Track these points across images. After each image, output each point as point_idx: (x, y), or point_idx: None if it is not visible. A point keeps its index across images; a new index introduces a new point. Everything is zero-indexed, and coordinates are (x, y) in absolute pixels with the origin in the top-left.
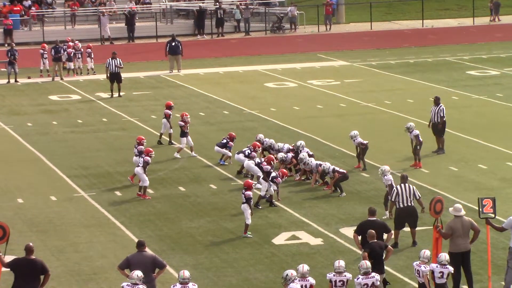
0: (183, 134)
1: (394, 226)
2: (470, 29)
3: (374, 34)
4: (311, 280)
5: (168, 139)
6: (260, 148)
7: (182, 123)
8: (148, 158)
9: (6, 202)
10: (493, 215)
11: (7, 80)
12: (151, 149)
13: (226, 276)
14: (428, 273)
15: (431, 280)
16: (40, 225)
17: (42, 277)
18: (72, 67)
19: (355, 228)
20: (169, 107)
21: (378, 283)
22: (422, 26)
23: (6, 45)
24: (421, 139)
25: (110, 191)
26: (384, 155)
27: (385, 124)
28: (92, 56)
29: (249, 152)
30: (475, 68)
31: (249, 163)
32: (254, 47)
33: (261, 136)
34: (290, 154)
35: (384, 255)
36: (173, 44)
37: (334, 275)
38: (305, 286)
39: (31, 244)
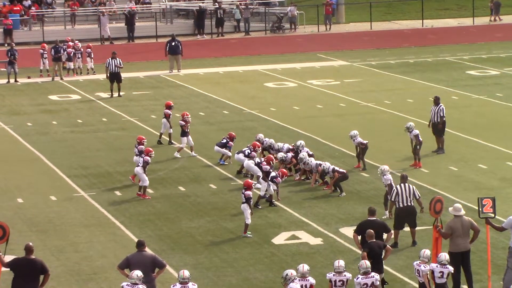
0: (184, 133)
1: (394, 226)
2: (470, 29)
3: (374, 34)
4: (311, 280)
5: (168, 139)
6: (260, 148)
7: (183, 123)
8: (148, 158)
9: (6, 202)
10: (493, 215)
11: (7, 80)
12: (151, 149)
13: (226, 276)
14: (428, 272)
15: (431, 280)
16: (40, 225)
17: (42, 277)
18: (72, 67)
19: (355, 228)
20: (169, 107)
21: (378, 282)
22: (422, 26)
23: (6, 45)
24: (421, 139)
25: (110, 191)
26: (384, 155)
27: (385, 124)
28: (92, 56)
29: (249, 152)
30: (475, 68)
31: (249, 163)
32: (254, 47)
33: (261, 136)
34: (290, 154)
35: (383, 255)
36: (173, 44)
37: (334, 275)
38: (305, 286)
39: (31, 244)
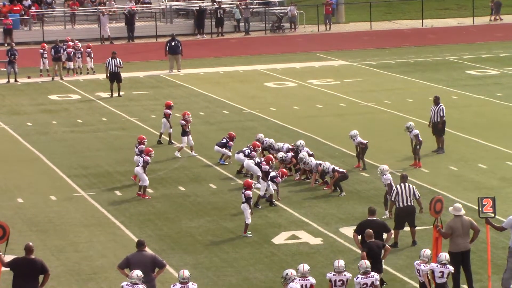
0: (184, 133)
1: (394, 226)
2: (470, 28)
3: (374, 33)
4: (312, 280)
5: (168, 139)
6: (260, 148)
7: (184, 122)
8: (148, 157)
9: (6, 202)
10: (493, 215)
11: (7, 80)
12: (151, 148)
13: (226, 276)
14: (428, 272)
15: (432, 280)
16: (40, 224)
17: (41, 276)
18: (72, 66)
19: (355, 227)
20: (168, 106)
21: (378, 282)
22: (422, 25)
23: (6, 44)
24: (420, 139)
25: (110, 191)
26: (384, 154)
27: (385, 123)
28: (92, 56)
29: (249, 151)
30: (475, 67)
31: (249, 163)
32: (254, 47)
33: (261, 135)
34: (290, 154)
35: (382, 254)
36: (173, 43)
37: (334, 275)
38: (306, 285)
39: (30, 243)
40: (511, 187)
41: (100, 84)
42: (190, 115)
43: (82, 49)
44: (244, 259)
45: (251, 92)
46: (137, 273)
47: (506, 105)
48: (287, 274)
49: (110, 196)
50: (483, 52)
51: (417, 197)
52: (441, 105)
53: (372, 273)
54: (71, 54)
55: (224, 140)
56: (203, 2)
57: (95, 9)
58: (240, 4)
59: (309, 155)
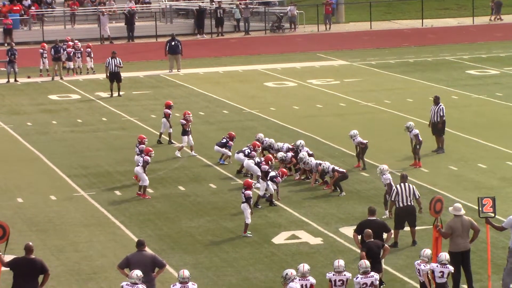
0: (185, 132)
1: (394, 226)
2: (470, 28)
3: (374, 33)
4: (312, 280)
5: (167, 139)
6: (260, 148)
7: (184, 122)
8: (147, 157)
9: (5, 202)
10: (493, 215)
11: (6, 80)
12: (150, 148)
13: (226, 276)
14: (428, 272)
15: (432, 280)
16: (39, 224)
17: (41, 276)
18: (72, 66)
19: (355, 227)
20: (168, 106)
21: (377, 282)
22: (422, 25)
23: (5, 44)
24: (420, 139)
25: (109, 191)
26: (384, 154)
27: (385, 123)
28: (92, 56)
29: (249, 151)
30: (475, 67)
31: (248, 163)
32: (254, 47)
33: (260, 135)
34: (289, 154)
35: (381, 254)
36: (173, 43)
37: (333, 275)
38: (306, 285)
39: (30, 243)
40: (511, 187)
41: (100, 84)
42: (191, 115)
43: (82, 49)
44: (244, 259)
45: (251, 92)
46: (137, 273)
47: (506, 105)
48: (287, 274)
49: (110, 196)
50: (483, 52)
51: (417, 197)
52: (441, 105)
53: (372, 273)
54: (71, 54)
55: (224, 140)
56: (203, 2)
57: (95, 9)
58: (240, 4)
59: (309, 155)
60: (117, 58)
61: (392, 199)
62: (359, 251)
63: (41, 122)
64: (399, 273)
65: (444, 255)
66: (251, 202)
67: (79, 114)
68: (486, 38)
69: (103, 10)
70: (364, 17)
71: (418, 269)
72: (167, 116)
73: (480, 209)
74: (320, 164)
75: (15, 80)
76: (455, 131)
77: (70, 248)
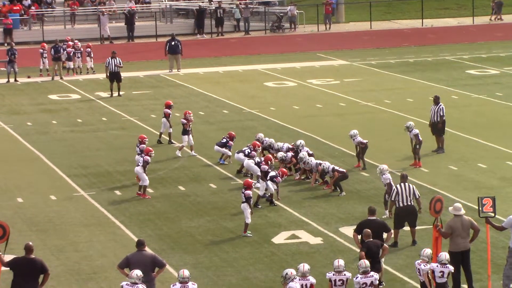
0: (185, 132)
1: (393, 225)
2: (470, 28)
3: (374, 33)
4: (312, 280)
5: (167, 139)
6: (260, 148)
7: (185, 121)
8: (147, 157)
9: (5, 201)
10: (493, 214)
11: (6, 80)
12: (150, 148)
13: (226, 275)
14: (428, 272)
15: (432, 279)
16: (39, 224)
17: (41, 276)
18: (72, 66)
19: (354, 227)
20: (168, 106)
21: (377, 282)
22: (422, 25)
23: (5, 44)
24: (420, 138)
25: (109, 190)
26: (384, 154)
27: (385, 123)
28: (92, 56)
29: (249, 151)
30: (475, 67)
31: (249, 162)
32: (254, 47)
33: (260, 135)
34: (289, 153)
35: (380, 254)
36: (173, 43)
37: (333, 274)
38: (306, 285)
39: (30, 243)
40: (511, 186)
41: (100, 83)
42: (192, 114)
43: (82, 49)
44: (244, 258)
45: (251, 91)
46: (137, 272)
47: (506, 105)
48: (287, 273)
49: (110, 196)
50: (483, 52)
51: (417, 197)
52: (441, 105)
53: (372, 273)
54: (71, 54)
55: (224, 140)
56: (203, 2)
57: (95, 8)
58: (240, 3)
59: (309, 155)
60: (117, 58)
61: (392, 199)
62: (359, 251)
63: (41, 122)
64: (399, 273)
65: (444, 255)
66: (251, 202)
67: (79, 114)
68: (486, 38)
69: (103, 10)
70: (364, 17)
71: (419, 269)
72: (167, 116)
73: (480, 209)
74: (320, 164)
75: (15, 80)
76: (455, 131)
77: (70, 248)
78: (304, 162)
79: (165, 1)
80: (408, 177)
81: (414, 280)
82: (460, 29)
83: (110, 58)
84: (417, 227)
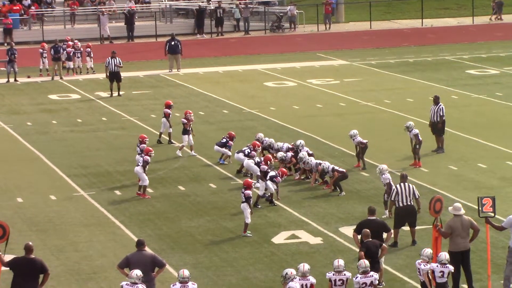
0: (185, 131)
1: (393, 225)
2: (470, 28)
3: (374, 33)
4: (312, 279)
5: (167, 138)
6: (260, 147)
7: (185, 121)
8: (147, 157)
9: (5, 201)
10: (492, 214)
11: (6, 79)
12: (150, 148)
13: (225, 275)
14: (428, 271)
15: (432, 279)
16: (39, 224)
17: (41, 276)
18: (72, 66)
19: (354, 227)
20: (168, 106)
21: (377, 282)
22: (422, 25)
23: (5, 44)
24: (420, 138)
25: (109, 190)
26: (384, 154)
27: (385, 123)
28: (92, 55)
29: (249, 151)
30: (475, 67)
31: (248, 162)
32: (254, 46)
33: (260, 135)
34: (289, 153)
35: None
36: (173, 43)
37: (333, 274)
38: (306, 285)
39: (30, 243)
40: (511, 186)
41: (100, 83)
42: (192, 114)
43: (81, 49)
44: (244, 258)
45: (250, 91)
46: (137, 272)
47: (506, 105)
48: (286, 273)
49: (110, 196)
50: (483, 52)
51: (417, 197)
52: (440, 105)
53: (372, 273)
54: (71, 54)
55: (224, 140)
56: (202, 2)
57: (95, 8)
58: (240, 3)
59: (309, 155)
60: (117, 58)
61: (392, 198)
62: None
63: (41, 122)
64: (399, 273)
65: (444, 255)
66: (251, 202)
67: (79, 114)
68: (486, 38)
69: (103, 10)
70: (364, 17)
71: (419, 269)
72: (167, 115)
73: (480, 208)
74: (320, 163)
75: (15, 80)
76: (455, 130)
77: (70, 248)
78: (304, 162)
79: (165, 1)
80: (408, 177)
81: (414, 280)
82: (460, 29)
83: (110, 58)
84: (417, 227)
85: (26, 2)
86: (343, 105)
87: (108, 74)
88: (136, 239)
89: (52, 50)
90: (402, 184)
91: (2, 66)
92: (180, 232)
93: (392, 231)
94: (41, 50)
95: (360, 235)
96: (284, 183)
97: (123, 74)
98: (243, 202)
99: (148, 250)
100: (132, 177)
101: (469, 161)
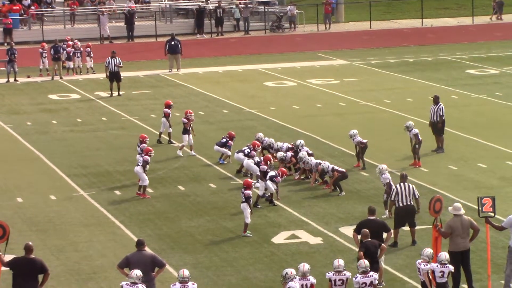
0: (185, 131)
1: (393, 225)
2: (470, 28)
3: (374, 33)
4: (312, 279)
5: (167, 138)
6: (260, 147)
7: (185, 120)
8: (147, 157)
9: (5, 201)
10: (492, 214)
11: (6, 79)
12: (150, 148)
13: (225, 275)
14: (429, 271)
15: (432, 279)
16: (39, 224)
17: (41, 276)
18: (72, 66)
19: (354, 227)
20: (168, 106)
21: (376, 282)
22: (422, 25)
23: (5, 44)
24: (420, 138)
25: (109, 190)
26: (384, 154)
27: (385, 123)
28: (92, 55)
29: (249, 151)
30: (475, 67)
31: (248, 162)
32: (254, 46)
33: (260, 135)
34: (289, 153)
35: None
36: (173, 43)
37: (333, 274)
38: (306, 285)
39: (30, 243)
40: (511, 186)
41: (99, 83)
42: (193, 114)
43: (81, 49)
44: (244, 258)
45: (250, 91)
46: (137, 272)
47: (505, 104)
48: (286, 273)
49: (109, 196)
50: (482, 52)
51: (417, 197)
52: (440, 105)
53: (371, 273)
54: (71, 54)
55: (224, 140)
56: (202, 2)
57: (95, 8)
58: (240, 3)
59: (309, 155)
60: (117, 58)
61: (392, 198)
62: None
63: (41, 122)
64: (398, 273)
65: (444, 255)
66: (251, 201)
67: (79, 114)
68: (486, 38)
69: (103, 9)
70: (363, 17)
71: (419, 268)
72: (166, 115)
73: (480, 208)
74: (319, 163)
75: (15, 80)
76: (455, 130)
77: (70, 248)
78: (303, 162)
79: (164, 1)
80: (408, 177)
81: (414, 280)
82: (460, 28)
83: (110, 58)
84: (417, 227)
85: (26, 2)
86: (343, 105)
87: (108, 74)
88: (136, 239)
89: (52, 50)
90: (402, 184)
91: (2, 66)
92: (180, 232)
93: (392, 231)
94: (41, 50)
95: (360, 235)
96: (284, 183)
97: (123, 74)
98: (243, 202)
99: (148, 250)
100: (132, 177)
101: (469, 161)
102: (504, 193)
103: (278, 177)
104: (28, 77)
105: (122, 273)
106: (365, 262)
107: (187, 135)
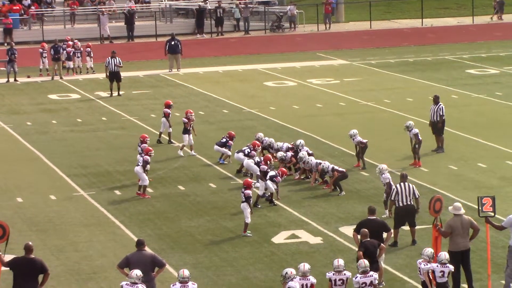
0: (185, 131)
1: (393, 225)
2: (470, 28)
3: (374, 33)
4: (312, 279)
5: (167, 138)
6: (260, 147)
7: (186, 120)
8: (147, 157)
9: (5, 201)
10: (492, 214)
11: (6, 79)
12: (150, 148)
13: (225, 275)
14: (429, 271)
15: (432, 279)
16: (39, 224)
17: (41, 276)
18: (72, 66)
19: (354, 227)
20: (168, 106)
21: (376, 281)
22: (422, 25)
23: (5, 44)
24: (420, 138)
25: (109, 190)
26: (384, 154)
27: (385, 123)
28: (92, 55)
29: (249, 151)
30: (475, 67)
31: (248, 162)
32: (254, 46)
33: (260, 135)
34: (289, 153)
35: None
36: (173, 43)
37: (333, 274)
38: (306, 285)
39: (30, 243)
40: (511, 186)
41: (99, 83)
42: (193, 114)
43: (81, 49)
44: (244, 258)
45: (250, 91)
46: (137, 272)
47: (505, 104)
48: (286, 273)
49: (109, 196)
50: (482, 51)
51: (417, 197)
52: (440, 104)
53: (371, 273)
54: (71, 54)
55: (224, 140)
56: (202, 2)
57: (95, 8)
58: (240, 3)
59: (309, 154)
60: (117, 58)
61: (392, 198)
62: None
63: (41, 122)
64: (398, 273)
65: (444, 255)
66: (251, 201)
67: (79, 114)
68: (486, 38)
69: (103, 9)
70: (363, 17)
71: (419, 268)
72: (166, 115)
73: (480, 208)
74: (320, 163)
75: (15, 80)
76: (455, 130)
77: (70, 248)
78: (303, 162)
79: (164, 0)
80: (408, 177)
81: (414, 280)
82: (460, 28)
83: (110, 57)
84: (417, 227)
85: (26, 2)
86: (343, 104)
87: (108, 74)
88: (136, 239)
89: (52, 50)
90: (402, 183)
91: (2, 66)
92: (180, 232)
93: (392, 230)
94: (41, 50)
95: (360, 235)
96: (284, 182)
97: (123, 74)
98: (243, 201)
99: (148, 250)
100: (132, 177)
101: (469, 161)
102: (504, 193)
103: (278, 177)
104: (28, 77)
105: (122, 273)
106: (365, 262)
107: (187, 135)
